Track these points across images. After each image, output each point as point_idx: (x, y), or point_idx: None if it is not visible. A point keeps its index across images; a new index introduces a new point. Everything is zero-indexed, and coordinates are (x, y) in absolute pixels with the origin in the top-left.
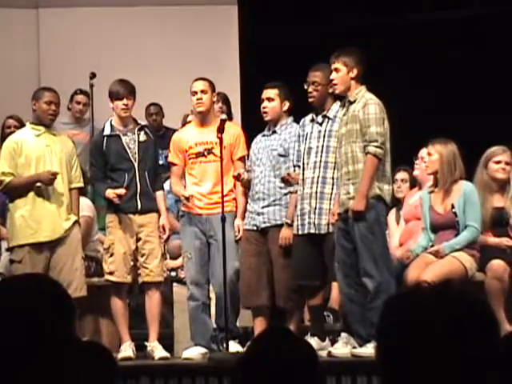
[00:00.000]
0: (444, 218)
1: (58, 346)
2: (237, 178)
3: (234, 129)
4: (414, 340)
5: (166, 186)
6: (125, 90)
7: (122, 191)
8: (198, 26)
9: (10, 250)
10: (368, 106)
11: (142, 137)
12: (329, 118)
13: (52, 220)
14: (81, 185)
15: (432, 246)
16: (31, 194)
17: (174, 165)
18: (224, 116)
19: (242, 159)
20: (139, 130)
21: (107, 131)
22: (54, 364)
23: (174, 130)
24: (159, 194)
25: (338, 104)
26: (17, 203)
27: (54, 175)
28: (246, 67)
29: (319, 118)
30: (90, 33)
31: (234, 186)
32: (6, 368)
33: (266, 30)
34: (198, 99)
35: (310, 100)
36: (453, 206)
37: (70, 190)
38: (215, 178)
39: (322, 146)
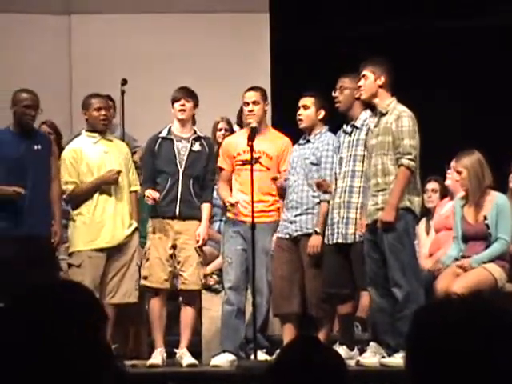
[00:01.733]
0: (475, 229)
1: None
2: (273, 179)
3: (281, 140)
4: (444, 352)
5: None
6: (182, 93)
7: (156, 195)
8: (229, 33)
9: (69, 254)
10: (401, 118)
11: (196, 147)
12: (356, 128)
13: (113, 226)
14: (137, 188)
15: (462, 256)
16: (94, 201)
17: (222, 169)
18: (255, 124)
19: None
20: (195, 139)
21: (164, 134)
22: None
23: (206, 138)
24: (205, 206)
25: (366, 113)
26: (80, 210)
27: (118, 173)
28: (276, 75)
29: (348, 128)
30: (122, 39)
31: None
32: (33, 373)
33: (297, 37)
34: (249, 111)
35: (336, 105)
36: (485, 218)
37: (129, 193)
38: (260, 188)
39: (351, 156)
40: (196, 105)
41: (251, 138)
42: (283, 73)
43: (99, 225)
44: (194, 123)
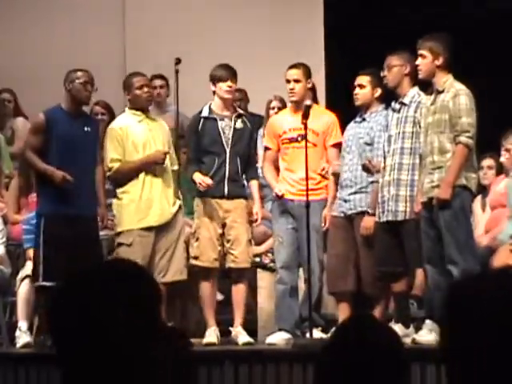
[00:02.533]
0: None
1: (143, 329)
2: (322, 176)
3: (328, 116)
4: (478, 325)
5: None
6: (229, 72)
7: (209, 182)
8: (283, 12)
9: (117, 234)
10: (459, 96)
11: (239, 124)
12: (405, 104)
13: (161, 204)
14: (177, 167)
15: None
16: (140, 179)
17: (268, 149)
18: (309, 102)
19: (336, 146)
20: (237, 117)
21: (205, 113)
22: (138, 348)
23: (259, 116)
24: (254, 183)
25: (415, 89)
26: (126, 188)
27: (165, 154)
28: (330, 51)
29: (396, 105)
30: (176, 19)
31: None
32: (92, 355)
33: (351, 15)
34: (290, 89)
35: (385, 82)
36: None
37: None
38: (309, 165)
39: (399, 133)
40: (236, 84)
41: (305, 115)
42: (338, 48)
43: (147, 203)
44: (247, 102)
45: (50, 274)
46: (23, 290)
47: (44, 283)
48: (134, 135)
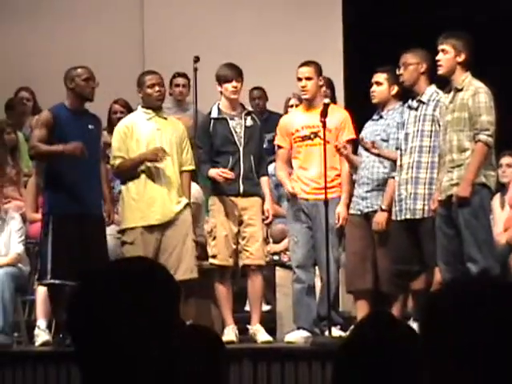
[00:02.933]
0: None
1: (165, 328)
2: (338, 149)
3: (340, 112)
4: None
5: (270, 169)
6: (233, 72)
7: (230, 174)
8: (302, 8)
9: (121, 232)
10: (478, 94)
11: (249, 122)
12: (423, 102)
13: (162, 203)
14: (193, 167)
15: None
16: (142, 177)
17: (280, 147)
18: (327, 100)
19: (350, 142)
20: (246, 114)
21: (214, 114)
22: (159, 347)
23: (278, 114)
24: (264, 180)
25: (432, 87)
26: (128, 186)
27: (160, 151)
28: (349, 50)
29: (414, 103)
30: (195, 16)
31: (341, 171)
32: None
33: (370, 12)
34: (302, 86)
35: (401, 81)
36: None
37: (182, 172)
38: (321, 162)
39: (417, 131)
40: (243, 82)
41: (324, 114)
42: (356, 47)
43: (149, 201)
44: (266, 100)
45: (58, 273)
46: (42, 288)
47: (52, 281)
48: (139, 133)
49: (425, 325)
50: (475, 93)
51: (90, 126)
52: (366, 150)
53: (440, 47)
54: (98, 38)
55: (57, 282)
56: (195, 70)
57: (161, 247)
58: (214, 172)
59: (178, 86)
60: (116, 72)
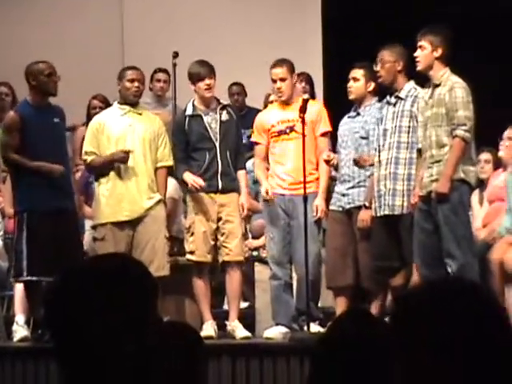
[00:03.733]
0: None
1: (140, 324)
2: (327, 162)
3: (315, 105)
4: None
5: (248, 165)
6: (206, 70)
7: (201, 183)
8: (281, 4)
9: (93, 227)
10: (455, 89)
11: (225, 116)
12: (401, 98)
13: (132, 199)
14: (169, 163)
15: None
16: (112, 174)
17: (257, 144)
18: (306, 96)
19: (326, 135)
20: (221, 109)
21: (189, 111)
22: (135, 342)
23: (257, 110)
24: (241, 173)
25: (411, 83)
26: (99, 182)
27: (127, 153)
28: (328, 46)
29: (392, 99)
30: (173, 12)
31: (317, 165)
32: (88, 346)
33: (349, 6)
34: (277, 88)
35: (378, 79)
36: None
37: (158, 168)
38: (298, 156)
39: (395, 127)
40: (215, 78)
41: (303, 110)
42: (335, 44)
43: (118, 197)
44: (245, 95)
45: (34, 269)
46: (20, 284)
47: (29, 278)
48: (110, 129)
49: (397, 318)
50: (451, 88)
51: (55, 120)
52: (361, 167)
53: (418, 43)
54: (78, 33)
55: (33, 278)
56: (174, 65)
57: (133, 243)
58: (188, 178)
59: (159, 81)
60: (95, 67)
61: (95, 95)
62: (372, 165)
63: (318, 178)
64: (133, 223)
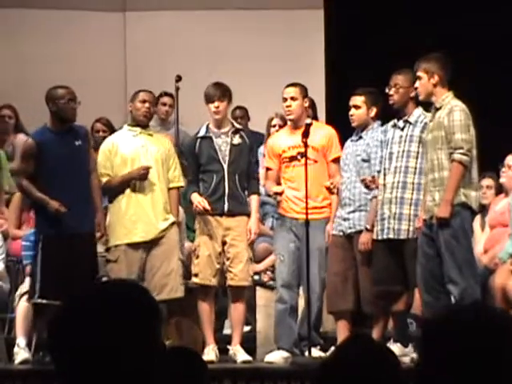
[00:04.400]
0: None
1: (143, 350)
2: (329, 189)
3: (325, 130)
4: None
5: None
6: (216, 92)
7: (206, 206)
8: (284, 29)
9: (107, 250)
10: (453, 112)
11: (236, 140)
12: (410, 123)
13: (147, 220)
14: (181, 184)
15: None
16: (127, 194)
17: (269, 169)
18: (309, 120)
19: (337, 161)
20: (234, 132)
21: (201, 133)
22: (138, 368)
23: (260, 134)
24: (253, 198)
25: (419, 109)
26: (114, 203)
27: (146, 169)
28: (331, 71)
29: (400, 123)
30: (176, 36)
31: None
32: (91, 373)
33: (353, 34)
34: (287, 106)
35: (391, 102)
36: None
37: (170, 189)
38: (311, 182)
39: (403, 151)
40: (230, 100)
41: (305, 134)
42: (337, 69)
43: (132, 219)
44: (248, 119)
45: (46, 292)
46: (22, 306)
47: (39, 300)
48: (124, 151)
49: (425, 343)
50: (450, 111)
51: (76, 143)
52: (366, 186)
53: (416, 74)
54: (81, 58)
55: (44, 301)
56: (177, 89)
57: (146, 266)
58: (194, 199)
59: (164, 104)
60: (98, 92)
61: (98, 118)
62: (377, 186)
63: (330, 204)
64: (147, 245)
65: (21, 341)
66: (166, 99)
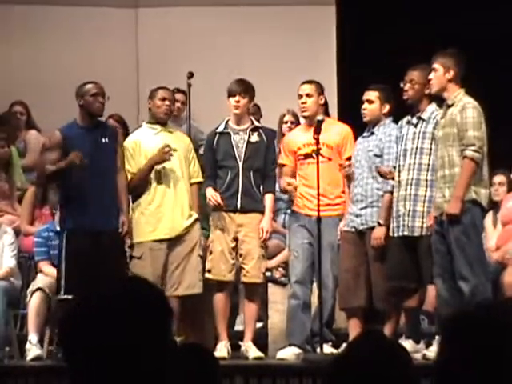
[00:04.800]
0: None
1: (155, 346)
2: (340, 165)
3: (340, 127)
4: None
5: None
6: (238, 87)
7: (219, 200)
8: (296, 25)
9: (130, 247)
10: (466, 109)
11: (254, 137)
12: (423, 120)
13: (172, 217)
14: (200, 179)
15: None
16: (152, 192)
17: (284, 165)
18: (321, 117)
19: (351, 159)
20: (252, 130)
21: (220, 128)
22: (149, 366)
23: (272, 130)
24: (268, 197)
25: (433, 105)
26: (139, 201)
27: (167, 148)
28: (343, 67)
29: (414, 120)
30: (189, 32)
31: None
32: (102, 370)
33: (364, 31)
34: (302, 103)
35: (405, 97)
36: None
37: (190, 185)
38: (325, 179)
39: (417, 148)
40: (252, 98)
41: (317, 131)
42: (349, 66)
43: (158, 216)
44: (260, 116)
45: (71, 288)
46: (34, 302)
47: (65, 296)
48: (147, 148)
49: (448, 338)
50: (463, 108)
51: (103, 140)
52: (382, 176)
53: (432, 66)
54: (91, 52)
55: (69, 297)
56: (189, 85)
57: (168, 261)
58: (208, 193)
59: (177, 101)
60: (110, 89)
61: (111, 115)
62: (393, 178)
63: (344, 201)
64: (171, 241)
65: (33, 337)
66: (178, 96)
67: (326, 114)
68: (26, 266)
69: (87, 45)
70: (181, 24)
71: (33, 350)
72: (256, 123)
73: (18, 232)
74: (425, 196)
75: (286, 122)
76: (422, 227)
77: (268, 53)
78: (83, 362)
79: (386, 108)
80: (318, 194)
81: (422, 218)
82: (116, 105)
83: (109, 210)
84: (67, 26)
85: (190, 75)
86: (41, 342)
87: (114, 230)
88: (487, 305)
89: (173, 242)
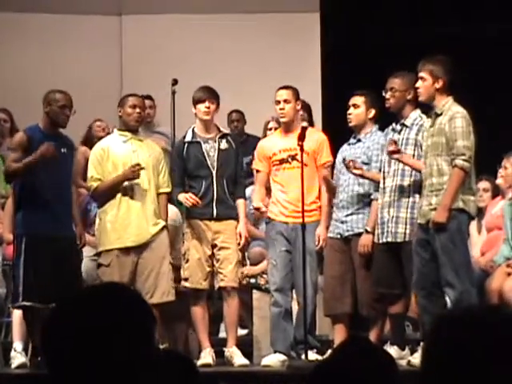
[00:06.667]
0: None
1: (136, 353)
2: (347, 165)
3: (317, 135)
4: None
5: (248, 191)
6: (207, 93)
7: (195, 200)
8: (280, 33)
9: (97, 254)
10: (455, 119)
11: (223, 145)
12: (406, 126)
13: (138, 225)
14: (169, 190)
15: None
16: (118, 199)
17: (258, 171)
18: (305, 124)
19: (327, 165)
20: (221, 137)
21: (188, 138)
22: (131, 373)
23: (256, 137)
24: (240, 202)
25: (417, 112)
26: (104, 208)
27: (135, 167)
28: (327, 73)
29: (397, 127)
30: (173, 40)
31: (319, 194)
32: (84, 377)
33: (349, 37)
34: (280, 109)
35: (387, 106)
36: None
37: (158, 194)
38: (300, 185)
39: None
40: (218, 105)
41: (301, 137)
42: (334, 72)
43: (124, 223)
44: (244, 123)
45: (30, 295)
46: (18, 310)
47: (24, 303)
48: (115, 155)
49: (432, 343)
50: (452, 117)
51: (62, 150)
52: (348, 169)
53: (419, 75)
54: (77, 61)
55: (28, 304)
56: (173, 92)
57: (137, 270)
58: (182, 196)
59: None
60: (93, 95)
61: (97, 119)
62: (353, 174)
63: (320, 207)
64: (138, 249)
65: (17, 345)
66: (146, 102)
67: (310, 121)
68: (10, 274)
69: (71, 52)
70: (165, 31)
71: (17, 357)
72: (223, 130)
73: (0, 240)
74: (408, 202)
75: (271, 129)
76: (405, 233)
77: (253, 60)
78: (65, 370)
79: (372, 113)
80: (303, 199)
81: (406, 224)
82: (100, 111)
83: (67, 217)
84: (51, 33)
85: (174, 82)
86: (25, 350)
87: (71, 237)
88: (471, 309)
89: (141, 250)
